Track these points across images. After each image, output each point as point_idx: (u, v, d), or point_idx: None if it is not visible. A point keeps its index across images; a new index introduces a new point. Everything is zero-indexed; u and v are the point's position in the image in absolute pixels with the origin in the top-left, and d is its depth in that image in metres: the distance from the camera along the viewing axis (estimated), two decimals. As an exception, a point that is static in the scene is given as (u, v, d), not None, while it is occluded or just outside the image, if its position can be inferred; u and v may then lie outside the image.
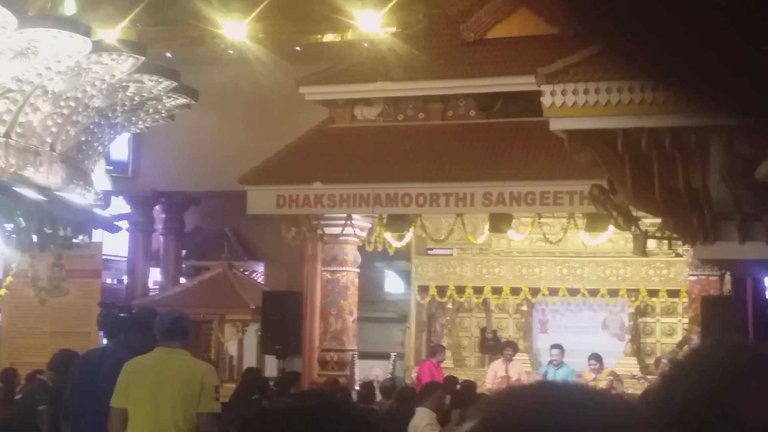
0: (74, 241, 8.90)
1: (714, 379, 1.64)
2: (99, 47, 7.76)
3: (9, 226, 8.20)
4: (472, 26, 15.84)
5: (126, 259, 21.95)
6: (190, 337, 7.81)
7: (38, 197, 8.02)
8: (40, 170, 7.82)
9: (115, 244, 21.88)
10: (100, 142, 8.81)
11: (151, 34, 18.82)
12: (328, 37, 19.78)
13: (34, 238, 8.33)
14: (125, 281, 22.13)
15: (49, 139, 7.86)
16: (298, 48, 19.49)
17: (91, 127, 8.36)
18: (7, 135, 7.43)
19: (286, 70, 17.84)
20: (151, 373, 6.83)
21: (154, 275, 22.13)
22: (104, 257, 18.89)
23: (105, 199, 11.25)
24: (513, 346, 16.16)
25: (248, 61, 18.92)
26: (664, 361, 14.92)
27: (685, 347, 15.39)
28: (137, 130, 9.76)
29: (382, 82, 15.72)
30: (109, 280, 22.29)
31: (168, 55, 18.44)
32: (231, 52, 19.50)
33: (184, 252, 22.19)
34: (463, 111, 15.77)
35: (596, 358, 15.25)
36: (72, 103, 7.88)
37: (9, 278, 10.40)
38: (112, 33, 17.09)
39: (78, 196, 8.51)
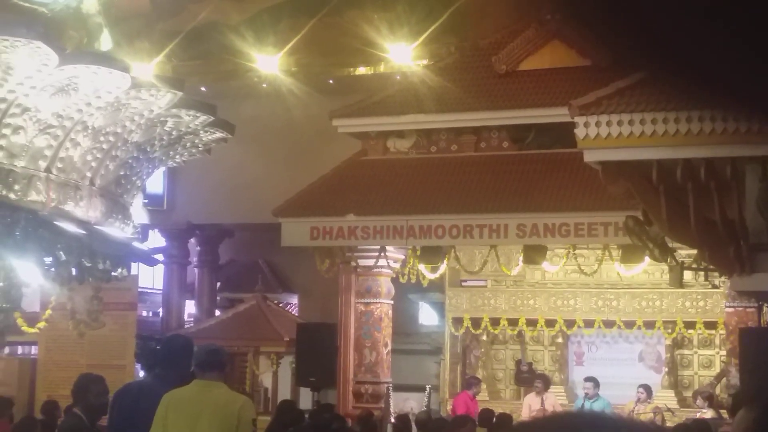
0: (113, 274, 9.00)
1: None
2: (138, 83, 7.89)
3: (48, 260, 8.30)
4: (504, 58, 15.91)
5: (161, 291, 22.11)
6: (227, 369, 7.86)
7: (78, 231, 8.13)
8: (80, 204, 7.93)
9: (151, 277, 22.06)
10: (138, 176, 8.93)
11: (185, 69, 19.05)
12: (361, 70, 19.93)
13: (73, 271, 8.43)
14: (160, 314, 22.27)
15: (88, 174, 7.97)
16: (330, 81, 19.66)
17: (130, 161, 8.48)
18: (47, 170, 7.55)
19: (319, 103, 18.00)
20: (189, 405, 6.84)
21: (189, 308, 22.26)
22: (140, 290, 19.04)
23: (143, 232, 11.38)
24: (544, 379, 16.09)
25: (281, 94, 19.12)
26: (702, 396, 14.80)
27: (723, 380, 15.25)
28: (174, 164, 9.86)
29: (415, 114, 15.79)
30: (144, 313, 22.44)
31: (202, 89, 18.66)
32: (264, 85, 19.71)
33: (218, 284, 22.32)
34: (496, 143, 15.79)
35: (646, 388, 15.15)
36: (111, 138, 8.00)
37: (48, 311, 10.51)
38: (148, 68, 17.32)
39: (117, 230, 8.61)
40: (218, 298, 22.34)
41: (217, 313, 20.96)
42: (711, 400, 14.11)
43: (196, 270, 22.03)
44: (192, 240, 21.79)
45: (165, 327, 20.64)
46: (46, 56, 7.01)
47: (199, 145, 9.30)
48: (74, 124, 7.64)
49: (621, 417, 1.18)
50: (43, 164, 7.64)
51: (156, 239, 21.42)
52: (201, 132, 8.84)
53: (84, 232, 8.20)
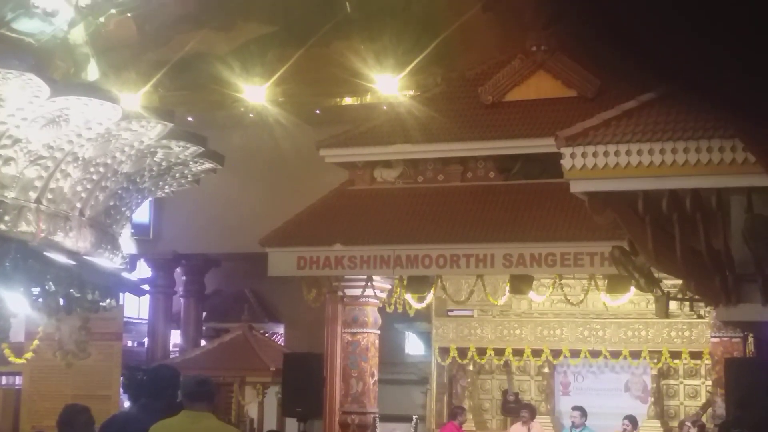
0: (101, 304, 8.99)
1: None
2: (128, 114, 7.93)
3: (36, 290, 8.29)
4: (490, 89, 16.02)
5: (146, 321, 22.03)
6: (216, 400, 7.84)
7: (68, 262, 8.13)
8: (69, 235, 7.93)
9: (136, 307, 21.98)
10: (127, 206, 8.94)
11: (172, 99, 19.10)
12: (347, 101, 20.03)
13: (61, 301, 8.42)
14: (146, 344, 22.17)
15: (78, 205, 7.98)
16: (317, 111, 19.74)
17: (120, 192, 8.49)
18: (38, 201, 7.55)
19: (306, 133, 18.08)
20: (176, 436, 6.82)
21: (175, 338, 22.18)
22: (125, 320, 18.96)
23: (131, 262, 11.36)
24: (530, 409, 16.10)
25: (268, 124, 19.18)
26: (688, 424, 14.82)
27: (709, 410, 15.28)
28: (163, 195, 9.87)
29: (402, 144, 15.86)
30: (129, 343, 22.35)
31: (189, 119, 18.70)
32: (251, 115, 19.78)
33: (204, 314, 22.27)
34: (483, 173, 15.86)
35: (631, 419, 15.17)
36: (101, 169, 8.02)
37: (36, 342, 10.47)
38: (135, 98, 17.36)
39: (106, 260, 8.61)
40: (204, 328, 22.27)
41: (203, 343, 20.91)
42: (702, 429, 14.12)
43: (181, 300, 21.99)
44: (178, 270, 21.75)
45: (150, 357, 20.56)
46: (38, 88, 7.04)
47: (189, 176, 9.32)
48: (65, 155, 7.66)
49: None
50: (33, 195, 7.64)
51: (142, 269, 21.37)
52: (191, 163, 8.87)
53: (73, 263, 8.19)
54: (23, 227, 7.66)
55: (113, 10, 18.74)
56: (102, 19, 19.20)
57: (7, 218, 7.58)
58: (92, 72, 19.16)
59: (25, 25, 17.78)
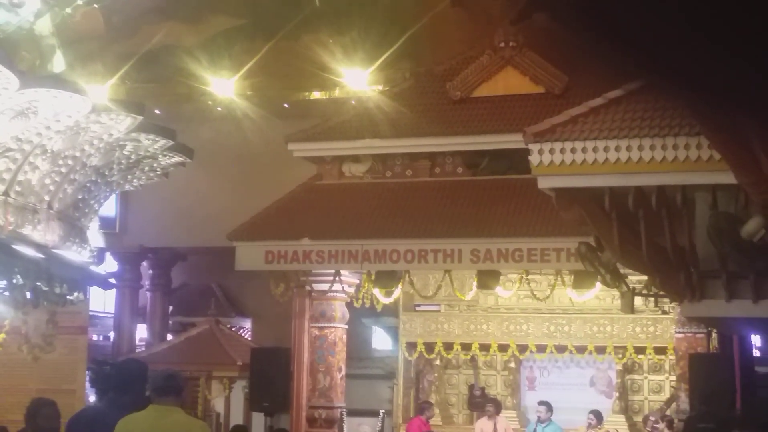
0: (69, 298, 8.96)
1: None
2: (98, 107, 7.91)
3: (2, 284, 8.26)
4: (458, 85, 16.10)
5: (112, 315, 21.92)
6: (184, 394, 7.85)
7: (36, 255, 8.10)
8: (37, 228, 7.91)
9: (102, 300, 21.86)
10: (96, 200, 8.92)
11: (139, 91, 19.00)
12: (316, 95, 19.97)
13: (28, 295, 8.39)
14: (111, 338, 22.07)
15: (47, 198, 7.95)
16: (286, 105, 19.70)
17: (88, 185, 8.47)
18: (6, 193, 7.52)
19: (275, 127, 18.04)
20: (143, 430, 6.81)
21: (141, 332, 22.08)
22: (90, 314, 18.84)
23: (98, 256, 11.31)
24: (495, 403, 16.23)
25: (236, 118, 19.12)
26: (652, 418, 14.99)
27: (673, 405, 15.47)
28: (131, 188, 9.85)
29: (370, 139, 15.91)
30: (95, 337, 22.23)
31: (156, 111, 18.59)
32: (219, 109, 19.70)
33: (170, 308, 22.18)
34: (450, 168, 15.94)
35: (596, 414, 15.31)
36: (70, 162, 7.99)
37: (2, 335, 10.42)
38: (102, 90, 17.26)
39: (74, 254, 8.59)
40: (170, 322, 22.19)
41: (169, 337, 20.85)
42: (671, 425, 14.27)
43: (148, 293, 21.89)
44: (144, 263, 21.65)
45: (116, 351, 20.47)
46: (6, 80, 7.01)
47: (158, 169, 9.31)
48: (33, 148, 7.63)
49: None
50: (1, 188, 7.61)
51: (108, 262, 21.25)
52: (160, 156, 8.86)
53: (41, 256, 8.16)
54: (-9, 220, 7.63)
55: (80, 1, 18.62)
56: (69, 10, 19.07)
57: (-26, 211, 7.55)
58: (58, 63, 19.03)
59: (-10, 16, 17.60)
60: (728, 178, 8.83)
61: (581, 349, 16.68)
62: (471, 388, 17.94)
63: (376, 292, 15.95)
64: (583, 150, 10.30)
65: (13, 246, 7.85)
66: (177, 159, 9.36)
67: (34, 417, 7.78)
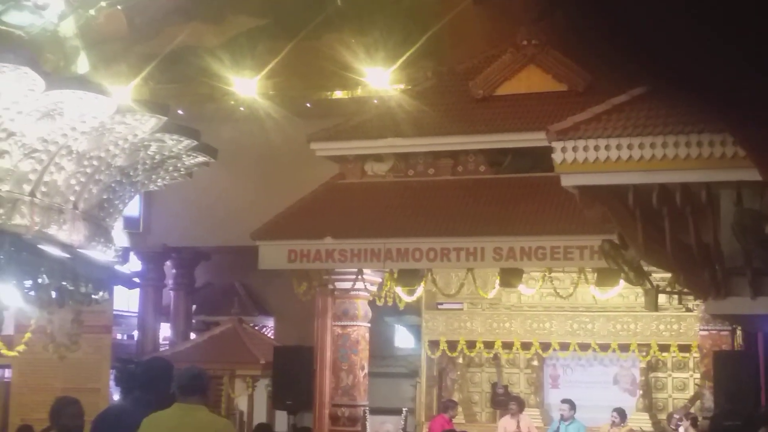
0: (94, 297, 9.00)
1: None
2: (122, 108, 7.95)
3: (28, 283, 8.31)
4: (480, 83, 16.07)
5: (136, 314, 22.02)
6: (209, 393, 7.86)
7: (62, 254, 8.14)
8: (63, 228, 7.95)
9: (126, 300, 21.96)
10: (120, 200, 8.96)
11: (162, 92, 19.10)
12: (338, 94, 20.04)
13: (53, 294, 8.44)
14: (135, 337, 22.18)
15: (72, 198, 7.99)
16: (308, 104, 19.76)
17: (113, 185, 8.51)
18: (32, 194, 7.57)
19: (297, 127, 18.07)
20: (168, 428, 6.82)
21: (164, 331, 22.19)
22: (115, 313, 18.94)
23: (123, 255, 11.39)
24: (518, 401, 16.18)
25: (259, 118, 19.19)
26: (676, 416, 14.91)
27: (697, 402, 15.38)
28: (155, 188, 9.89)
29: (392, 138, 15.88)
30: (119, 336, 22.35)
31: (179, 112, 18.68)
32: (242, 108, 19.78)
33: (194, 307, 22.28)
34: (473, 166, 15.91)
35: (620, 412, 15.24)
36: (95, 162, 8.03)
37: (28, 334, 10.48)
38: (125, 91, 17.33)
39: (99, 253, 8.63)
40: (194, 321, 22.29)
41: (193, 336, 20.93)
42: (695, 423, 14.20)
43: (171, 293, 21.99)
44: (168, 263, 21.75)
45: (140, 350, 20.57)
46: (33, 82, 7.05)
47: (181, 169, 9.34)
48: (59, 149, 7.68)
49: None
50: (27, 188, 7.66)
51: (132, 262, 21.35)
52: (184, 156, 8.89)
53: (67, 256, 8.21)
54: (17, 220, 7.67)
55: (103, 3, 18.69)
56: (92, 12, 19.13)
57: (1, 211, 7.60)
58: (82, 65, 19.08)
59: (15, 18, 17.72)
60: (753, 175, 8.78)
61: (604, 347, 16.60)
62: (494, 386, 17.91)
63: (399, 290, 15.94)
64: (607, 147, 10.27)
65: (39, 246, 7.90)
66: (201, 159, 9.38)
67: (58, 415, 7.81)
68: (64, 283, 8.23)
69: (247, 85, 19.34)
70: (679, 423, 14.51)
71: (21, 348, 10.63)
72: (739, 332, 14.35)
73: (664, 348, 16.28)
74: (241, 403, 18.37)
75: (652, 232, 10.39)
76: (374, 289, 16.34)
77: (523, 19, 16.02)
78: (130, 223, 19.99)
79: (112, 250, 9.00)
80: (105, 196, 8.43)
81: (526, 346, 16.97)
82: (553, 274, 15.16)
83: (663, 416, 16.44)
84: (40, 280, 8.04)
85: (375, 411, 16.94)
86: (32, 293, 8.35)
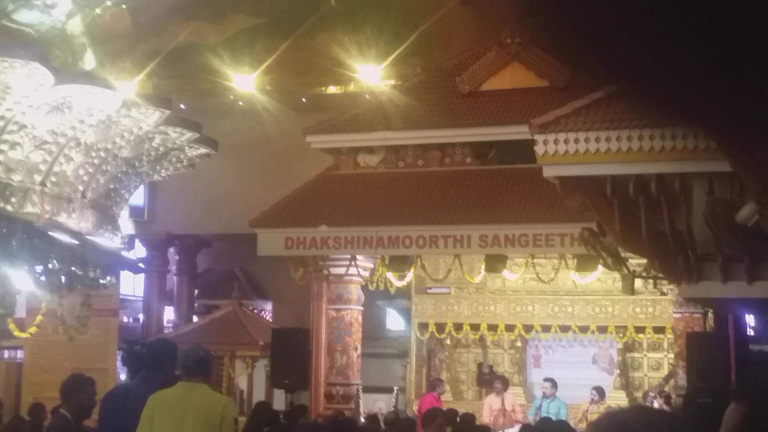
0: (101, 282, 9.01)
1: None
2: (128, 102, 7.94)
3: (39, 268, 8.31)
4: (467, 79, 16.06)
5: (141, 298, 22.01)
6: (212, 374, 7.87)
7: (71, 241, 8.14)
8: (72, 216, 7.94)
9: (131, 285, 21.95)
10: (126, 189, 8.95)
11: (165, 87, 19.05)
12: (332, 89, 20.02)
13: (63, 279, 8.43)
14: (141, 320, 22.17)
15: (80, 187, 7.99)
16: (303, 99, 19.73)
17: (119, 175, 8.50)
18: (42, 183, 7.56)
19: (293, 120, 18.05)
20: (174, 406, 6.83)
21: (168, 314, 22.18)
22: (121, 297, 18.94)
23: (129, 242, 11.38)
24: (503, 380, 16.23)
25: (257, 112, 19.16)
26: (651, 394, 14.97)
27: (671, 381, 15.45)
28: (159, 178, 9.88)
29: (383, 131, 15.88)
30: (125, 319, 22.34)
31: (182, 106, 18.63)
32: (241, 103, 19.74)
33: (196, 291, 22.27)
34: (460, 158, 15.92)
35: (598, 390, 15.29)
36: (102, 154, 8.03)
37: (39, 317, 10.48)
38: (130, 86, 17.30)
39: (106, 240, 8.63)
40: (196, 304, 22.28)
41: (195, 319, 20.93)
42: (668, 400, 14.26)
43: (174, 278, 21.98)
44: (171, 249, 21.73)
45: (145, 332, 20.56)
46: (43, 77, 7.05)
47: (184, 160, 9.34)
48: (68, 141, 7.67)
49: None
50: (38, 178, 7.65)
51: (137, 249, 21.33)
52: (186, 148, 8.88)
53: (76, 242, 8.21)
54: (29, 208, 7.66)
55: (109, 2, 18.64)
56: (98, 11, 19.08)
57: (13, 200, 7.59)
58: (89, 61, 19.03)
59: (25, 16, 17.65)
60: (724, 166, 8.81)
61: (584, 329, 16.65)
62: (480, 366, 17.95)
63: (390, 275, 15.96)
64: (586, 140, 10.29)
65: (49, 233, 7.90)
66: (202, 151, 9.38)
67: (77, 394, 7.78)
68: (73, 268, 8.23)
69: (245, 81, 19.30)
70: (653, 400, 14.56)
71: (32, 330, 10.65)
72: (710, 315, 14.40)
73: (640, 330, 16.32)
74: (241, 382, 18.39)
75: (629, 221, 10.42)
76: (367, 274, 16.36)
77: (507, 18, 16.01)
78: (135, 212, 19.96)
79: (119, 237, 9.00)
80: (112, 186, 8.42)
81: (509, 328, 17.01)
82: (535, 260, 15.18)
83: (639, 394, 16.50)
84: (50, 266, 8.03)
85: (368, 389, 16.98)
86: (43, 278, 8.35)
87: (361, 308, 16.76)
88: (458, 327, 17.27)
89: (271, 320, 20.80)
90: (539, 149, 10.47)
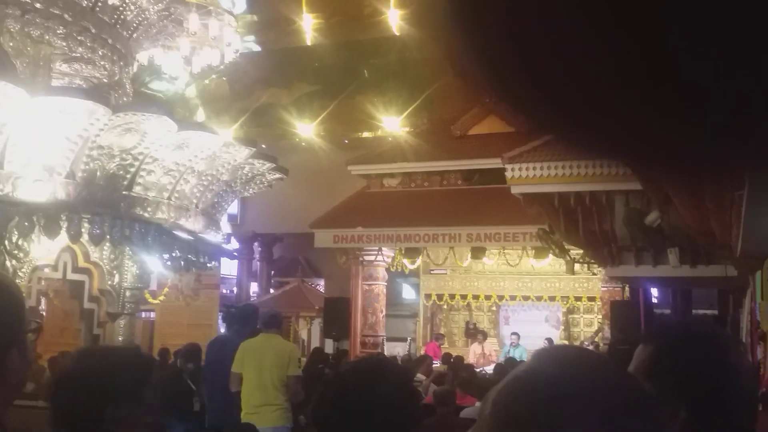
0: (208, 265, 9.02)
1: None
2: (227, 143, 7.97)
3: (166, 256, 8.33)
4: (459, 127, 16.03)
5: (235, 277, 22.07)
6: (281, 327, 7.87)
7: (188, 237, 8.16)
8: (189, 220, 7.96)
9: (228, 267, 22.03)
10: (225, 202, 8.95)
11: (251, 132, 19.13)
12: (366, 134, 20.03)
13: (182, 263, 8.45)
14: (235, 291, 22.24)
15: (194, 201, 8.00)
16: (346, 141, 19.75)
17: (221, 192, 8.51)
18: (169, 198, 7.60)
19: (339, 155, 18.06)
20: (257, 349, 6.84)
21: (253, 287, 22.23)
22: (221, 276, 19.03)
23: (227, 238, 11.40)
24: (483, 334, 16.16)
25: (314, 149, 19.20)
26: (586, 343, 14.84)
27: (600, 334, 15.33)
28: (248, 194, 9.90)
29: (401, 162, 15.88)
30: (224, 291, 22.40)
31: (263, 146, 18.68)
32: (303, 144, 19.78)
33: (272, 272, 22.30)
34: (453, 181, 15.87)
35: (549, 341, 15.19)
36: (209, 178, 8.04)
37: (165, 289, 10.53)
38: (228, 132, 17.39)
39: (212, 236, 8.63)
40: (272, 281, 22.31)
41: (272, 291, 20.96)
42: (597, 347, 14.14)
43: (257, 263, 22.02)
44: (255, 243, 21.79)
45: (238, 300, 20.61)
46: (169, 126, 7.07)
47: (265, 182, 9.34)
48: (186, 169, 7.68)
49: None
50: (166, 194, 7.67)
51: (232, 243, 21.40)
52: (266, 173, 8.88)
53: (191, 238, 8.23)
54: (159, 215, 7.68)
55: (214, 75, 18.79)
56: (207, 81, 19.26)
57: (149, 209, 7.62)
58: (200, 115, 19.21)
59: (157, 86, 17.85)
60: (637, 185, 8.76)
61: (539, 298, 16.57)
62: (467, 323, 17.88)
63: (405, 261, 15.93)
64: (541, 168, 10.27)
65: (173, 231, 7.93)
66: (277, 175, 9.38)
67: (192, 358, 7.75)
68: (189, 256, 8.24)
69: (307, 129, 19.35)
70: (588, 347, 14.43)
71: (161, 298, 10.69)
72: (627, 288, 14.30)
73: (578, 299, 16.23)
74: (303, 334, 18.39)
75: (570, 223, 10.38)
76: (389, 260, 16.33)
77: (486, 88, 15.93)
78: (231, 218, 20.04)
79: (220, 234, 9.01)
80: (216, 200, 8.43)
81: (488, 297, 16.95)
82: (505, 251, 15.11)
83: (577, 343, 16.35)
84: (174, 254, 8.05)
85: (390, 339, 16.94)
86: (168, 263, 8.37)
87: (385, 284, 16.73)
88: (452, 297, 17.23)
89: (323, 292, 20.81)
90: (509, 174, 10.45)
